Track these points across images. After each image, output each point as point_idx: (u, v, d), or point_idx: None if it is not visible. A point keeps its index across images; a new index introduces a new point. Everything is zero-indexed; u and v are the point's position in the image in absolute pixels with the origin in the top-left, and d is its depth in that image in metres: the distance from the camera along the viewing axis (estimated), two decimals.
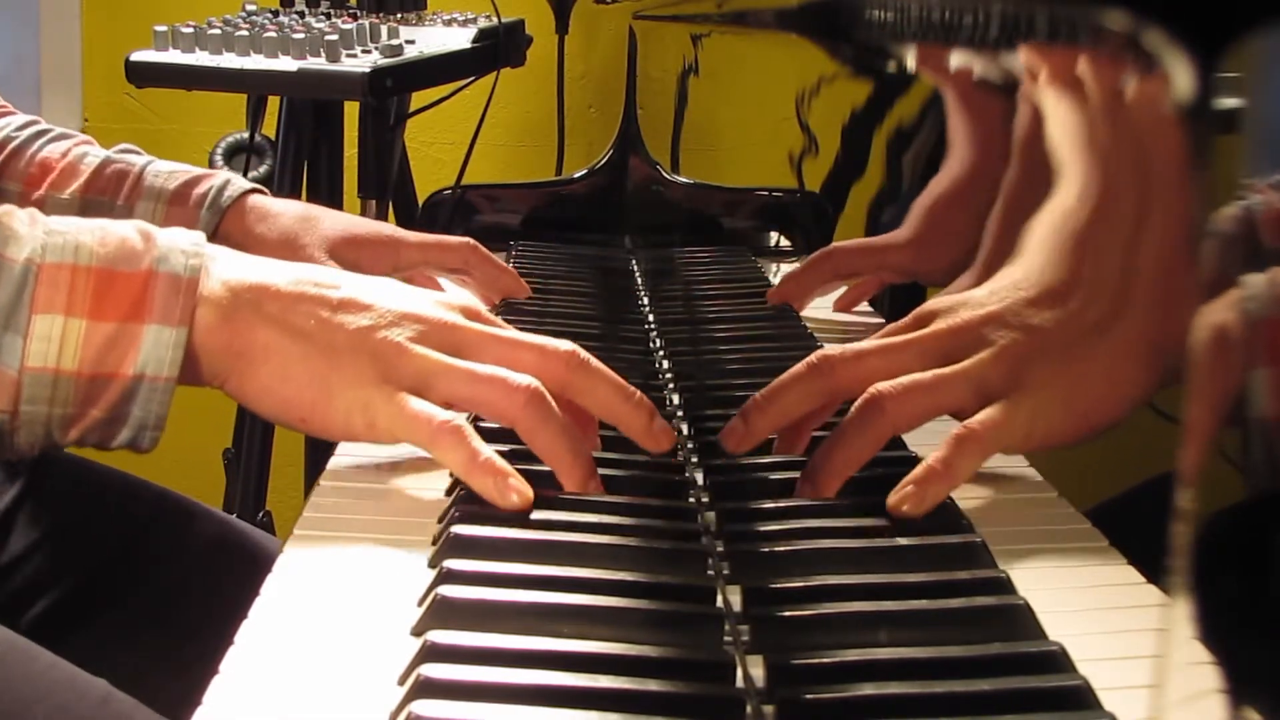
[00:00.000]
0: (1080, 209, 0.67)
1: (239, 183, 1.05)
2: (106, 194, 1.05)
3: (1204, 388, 0.37)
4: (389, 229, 1.08)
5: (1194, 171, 0.37)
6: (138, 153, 1.09)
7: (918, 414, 0.69)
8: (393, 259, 1.06)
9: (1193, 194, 0.38)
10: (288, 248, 1.02)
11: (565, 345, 0.71)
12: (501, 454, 0.67)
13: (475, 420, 0.72)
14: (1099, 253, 0.67)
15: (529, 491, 0.65)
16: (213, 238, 1.01)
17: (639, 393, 0.71)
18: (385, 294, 0.71)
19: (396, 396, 0.68)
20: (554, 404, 0.68)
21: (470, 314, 0.73)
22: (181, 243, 0.69)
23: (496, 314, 1.02)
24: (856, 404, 0.68)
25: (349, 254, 1.03)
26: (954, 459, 0.65)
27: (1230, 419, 0.39)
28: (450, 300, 0.74)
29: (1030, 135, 0.78)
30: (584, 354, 0.71)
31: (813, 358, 0.71)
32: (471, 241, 1.07)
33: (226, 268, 0.70)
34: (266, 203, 1.05)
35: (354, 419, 0.68)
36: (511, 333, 0.73)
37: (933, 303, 0.74)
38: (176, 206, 1.03)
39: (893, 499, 0.65)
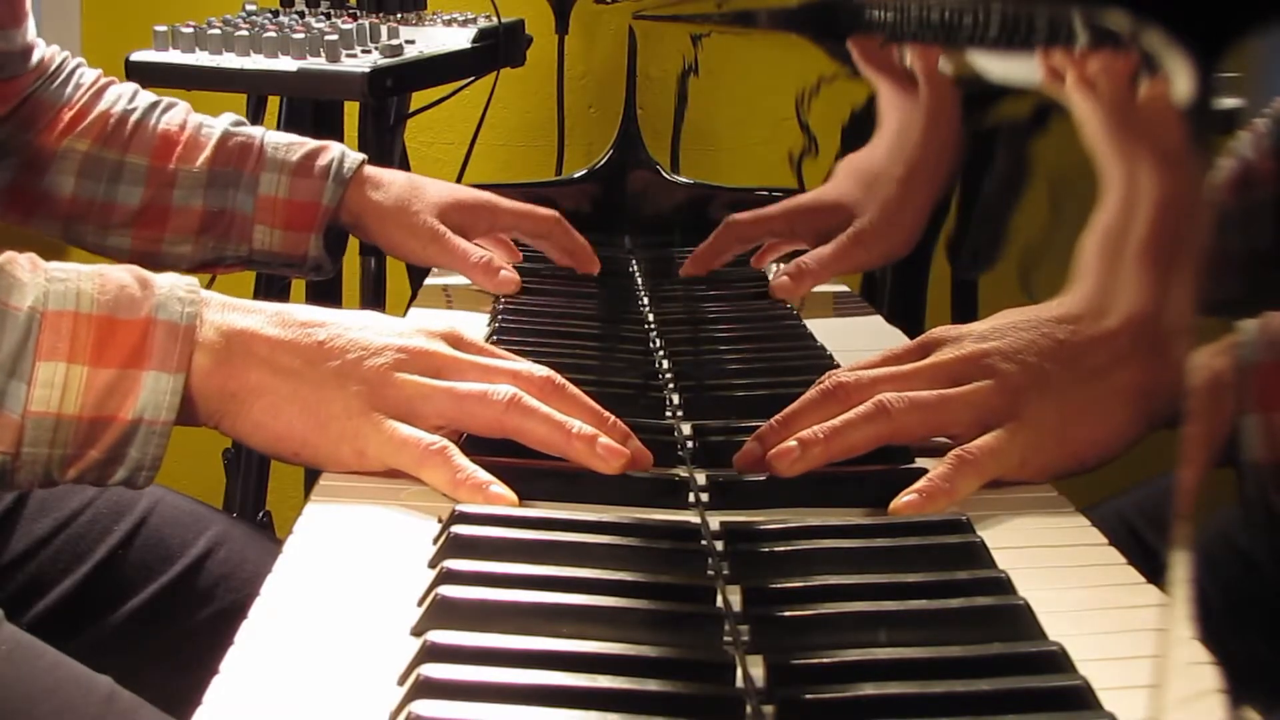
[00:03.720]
0: (1086, 252, 0.69)
1: (352, 154, 1.14)
2: (231, 165, 1.13)
3: (1200, 425, 0.38)
4: (488, 196, 1.16)
5: (1193, 175, 0.37)
6: (245, 123, 1.16)
7: (918, 429, 0.72)
8: (490, 221, 1.15)
9: (1192, 205, 0.38)
10: (403, 213, 1.12)
11: (541, 370, 0.74)
12: (505, 462, 0.69)
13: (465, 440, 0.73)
14: (1103, 296, 0.69)
15: (513, 497, 0.67)
16: (337, 207, 1.11)
17: (613, 417, 0.73)
18: (367, 327, 0.74)
19: (384, 424, 0.70)
20: (536, 403, 0.71)
21: (452, 340, 0.76)
22: (178, 290, 0.72)
23: (496, 316, 1.03)
24: (863, 405, 0.71)
25: (455, 217, 1.13)
26: (955, 478, 0.68)
27: (1223, 459, 0.39)
28: (433, 329, 0.76)
29: (918, 133, 0.85)
30: (559, 379, 0.74)
31: (826, 384, 0.74)
32: (557, 215, 1.16)
33: (220, 314, 0.72)
34: (378, 173, 1.15)
35: (344, 449, 0.71)
36: (491, 359, 0.75)
37: (937, 331, 0.77)
38: (301, 177, 1.13)
39: (895, 504, 0.67)
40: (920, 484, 0.68)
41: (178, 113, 1.15)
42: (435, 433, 0.71)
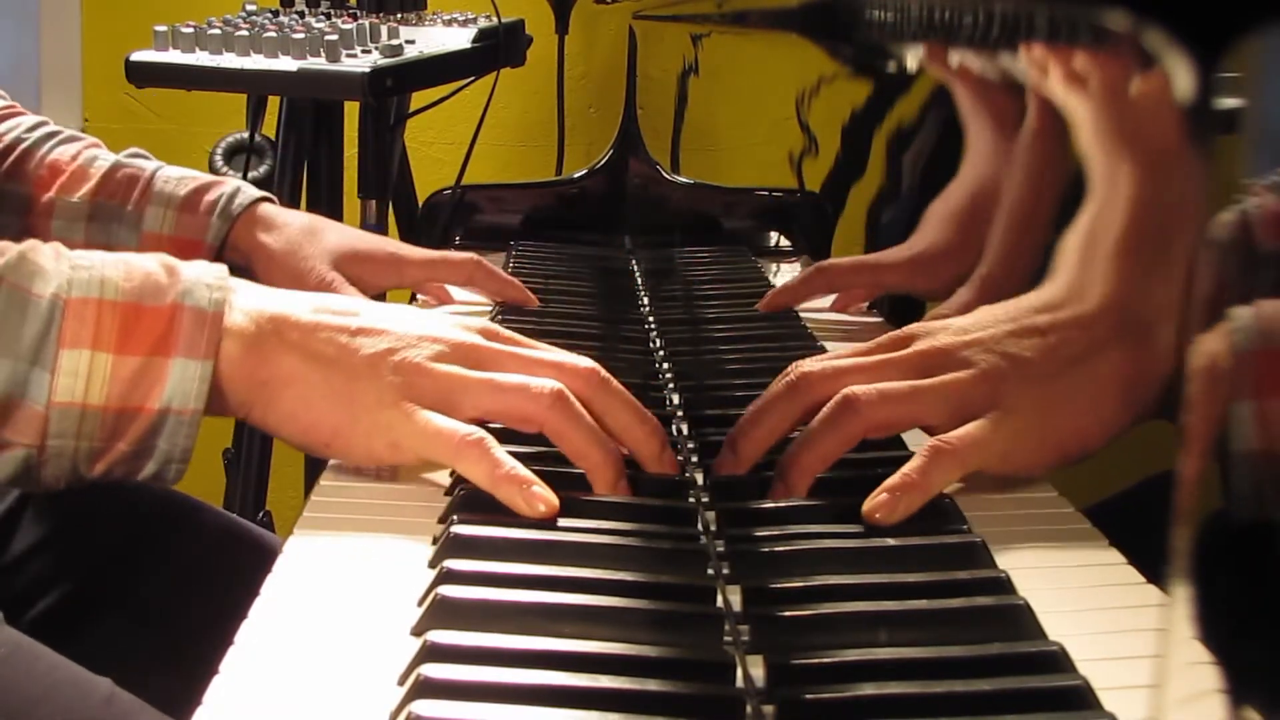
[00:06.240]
0: (1070, 242, 0.67)
1: (249, 191, 1.06)
2: (116, 198, 1.05)
3: (1200, 414, 0.37)
4: (393, 246, 1.08)
5: (1191, 179, 0.37)
6: (147, 157, 1.08)
7: (891, 420, 0.69)
8: (396, 276, 1.07)
9: (1189, 207, 0.38)
10: (292, 258, 1.03)
11: (585, 362, 0.71)
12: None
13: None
14: (1086, 286, 0.67)
15: (554, 499, 0.65)
16: (221, 246, 1.02)
17: (654, 419, 0.71)
18: (403, 318, 0.72)
19: (417, 414, 0.68)
20: (580, 409, 0.68)
21: (488, 335, 0.74)
22: (206, 276, 0.70)
23: (496, 315, 1.03)
24: (829, 404, 0.69)
25: (352, 268, 1.04)
26: (929, 469, 0.65)
27: (1216, 450, 0.39)
28: (468, 323, 0.74)
29: (1031, 149, 0.78)
30: (604, 373, 0.71)
31: (791, 376, 0.72)
32: (475, 257, 1.08)
33: (249, 299, 0.70)
34: (275, 212, 1.06)
35: (376, 441, 0.68)
36: (531, 350, 0.73)
37: (913, 327, 0.74)
38: (187, 213, 1.04)
39: (867, 506, 0.65)
40: (891, 480, 0.65)
41: (74, 145, 1.07)
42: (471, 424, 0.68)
